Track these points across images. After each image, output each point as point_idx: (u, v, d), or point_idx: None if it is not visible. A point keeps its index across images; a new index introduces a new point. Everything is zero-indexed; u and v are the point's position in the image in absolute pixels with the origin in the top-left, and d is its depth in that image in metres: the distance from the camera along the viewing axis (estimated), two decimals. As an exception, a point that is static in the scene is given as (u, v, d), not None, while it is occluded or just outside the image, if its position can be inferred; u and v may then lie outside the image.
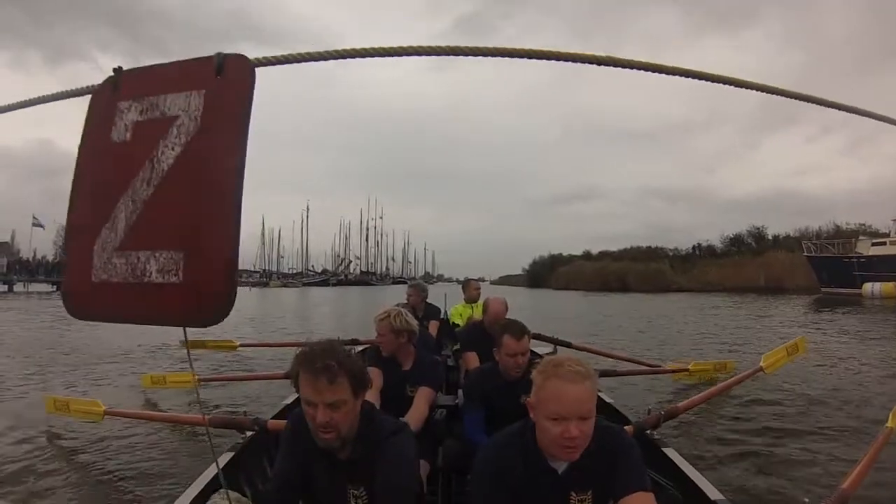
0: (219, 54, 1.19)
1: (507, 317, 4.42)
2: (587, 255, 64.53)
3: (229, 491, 2.52)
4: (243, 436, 3.52)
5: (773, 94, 1.49)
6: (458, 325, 6.31)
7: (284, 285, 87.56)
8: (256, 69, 1.19)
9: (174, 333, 5.65)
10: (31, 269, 58.02)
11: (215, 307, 1.14)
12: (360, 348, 6.54)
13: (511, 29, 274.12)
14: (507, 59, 1.28)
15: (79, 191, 1.31)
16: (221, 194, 1.14)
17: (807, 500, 2.21)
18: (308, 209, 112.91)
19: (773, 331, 14.34)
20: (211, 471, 2.80)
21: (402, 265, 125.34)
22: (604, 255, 61.78)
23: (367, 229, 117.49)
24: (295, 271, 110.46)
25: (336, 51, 1.27)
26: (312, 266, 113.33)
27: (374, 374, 3.29)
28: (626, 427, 3.48)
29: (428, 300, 6.44)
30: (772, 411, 6.31)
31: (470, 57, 1.23)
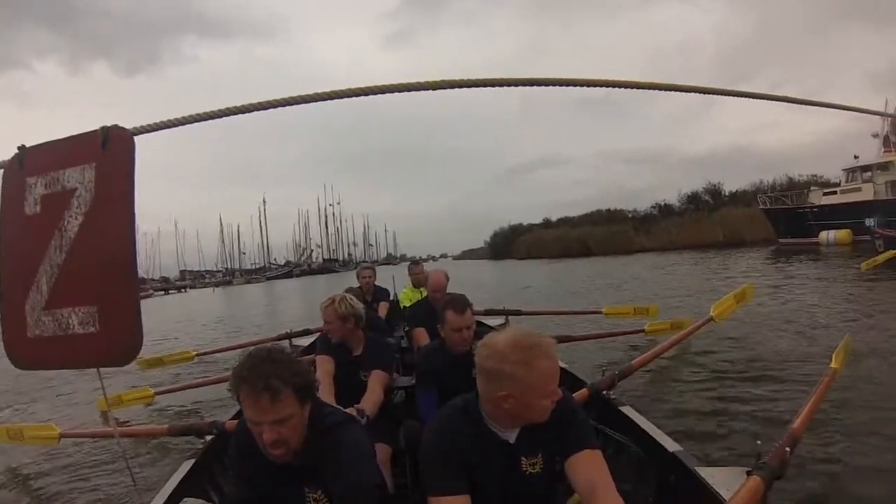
0: (103, 128, 1.39)
1: (459, 291, 4.32)
2: (546, 223, 63.30)
3: (194, 499, 2.64)
4: (203, 440, 3.52)
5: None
6: (409, 307, 6.17)
7: (248, 281, 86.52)
8: (137, 137, 1.39)
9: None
10: None
11: (126, 350, 1.39)
12: (311, 339, 6.69)
13: (469, 2, 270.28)
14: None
15: (5, 260, 1.54)
16: (121, 255, 1.37)
17: (759, 441, 2.30)
18: (265, 202, 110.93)
19: (731, 283, 14.27)
20: (173, 481, 2.81)
21: (364, 249, 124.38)
22: (563, 221, 61.15)
23: (326, 216, 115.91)
24: (258, 266, 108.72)
25: (219, 110, 1.40)
26: (275, 259, 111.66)
27: (325, 361, 3.32)
28: (581, 390, 3.61)
29: (377, 283, 6.62)
30: (723, 360, 6.52)
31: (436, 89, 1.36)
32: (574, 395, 2.91)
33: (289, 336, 7.37)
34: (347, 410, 2.32)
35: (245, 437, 1.84)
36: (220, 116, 1.37)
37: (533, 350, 1.70)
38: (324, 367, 3.29)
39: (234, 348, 8.51)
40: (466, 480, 1.75)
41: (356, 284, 6.41)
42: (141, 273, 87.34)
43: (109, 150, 1.37)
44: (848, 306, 9.68)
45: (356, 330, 3.36)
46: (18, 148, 1.49)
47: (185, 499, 2.69)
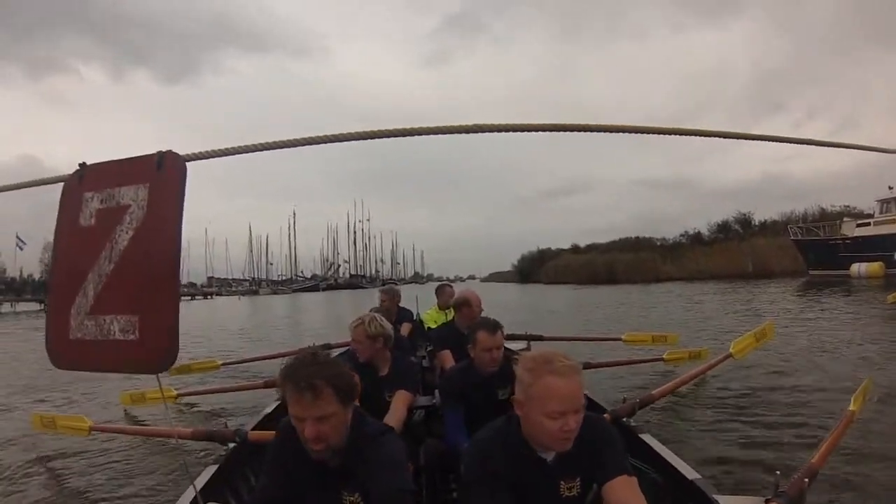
0: (159, 153, 1.51)
1: (484, 312, 4.55)
2: (575, 249, 64.00)
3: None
4: (226, 448, 3.54)
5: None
6: (432, 329, 6.20)
7: (274, 292, 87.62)
8: (189, 163, 1.50)
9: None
10: (17, 289, 58.04)
11: (163, 359, 1.48)
12: (335, 352, 6.49)
13: (499, 25, 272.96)
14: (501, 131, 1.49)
15: (57, 265, 1.68)
16: (165, 269, 1.48)
17: (778, 472, 2.26)
18: (295, 214, 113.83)
19: (758, 316, 14.27)
20: (196, 486, 2.76)
21: (392, 267, 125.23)
22: (592, 247, 61.80)
23: (355, 232, 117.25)
24: (284, 278, 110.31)
25: (265, 143, 1.51)
26: (302, 272, 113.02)
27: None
28: (603, 416, 3.59)
29: (400, 304, 6.60)
30: (742, 393, 6.50)
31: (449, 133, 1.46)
32: None
33: (310, 350, 7.32)
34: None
35: (288, 436, 1.96)
36: (267, 149, 1.48)
37: (547, 365, 1.76)
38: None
39: (263, 359, 8.72)
40: (508, 498, 1.79)
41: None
42: None
43: (163, 173, 1.49)
44: (872, 342, 9.54)
45: (384, 350, 3.42)
46: (80, 165, 1.63)
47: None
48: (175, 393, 6.65)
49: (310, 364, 1.85)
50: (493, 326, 3.23)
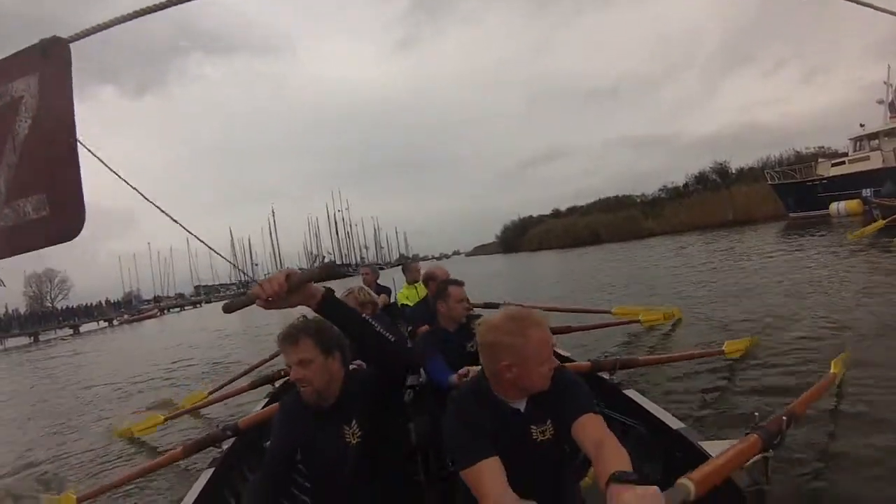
0: (41, 40, 1.63)
1: (471, 284, 4.50)
2: (556, 213, 64.31)
3: None
4: (220, 449, 3.54)
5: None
6: (406, 306, 6.41)
7: None
8: (73, 44, 1.61)
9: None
10: (3, 326, 56.75)
11: (73, 226, 1.62)
12: None
13: (467, 4, 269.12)
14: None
15: None
16: (64, 147, 1.61)
17: (756, 414, 2.33)
18: (273, 212, 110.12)
19: (746, 264, 14.56)
20: (190, 496, 2.85)
21: (376, 251, 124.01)
22: (573, 210, 61.60)
23: (336, 222, 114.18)
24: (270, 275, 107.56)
25: (149, 6, 1.59)
26: (287, 267, 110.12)
27: None
28: (582, 363, 3.95)
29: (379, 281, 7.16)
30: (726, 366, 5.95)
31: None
32: (574, 369, 3.31)
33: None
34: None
35: (291, 398, 2.33)
36: (150, 12, 1.60)
37: (525, 321, 1.92)
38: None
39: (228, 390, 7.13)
40: (488, 444, 1.85)
41: (382, 283, 7.08)
42: (156, 292, 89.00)
43: (49, 59, 1.61)
44: (847, 281, 9.48)
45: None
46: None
47: None
48: (162, 417, 6.44)
49: (296, 323, 2.19)
50: (459, 281, 3.75)
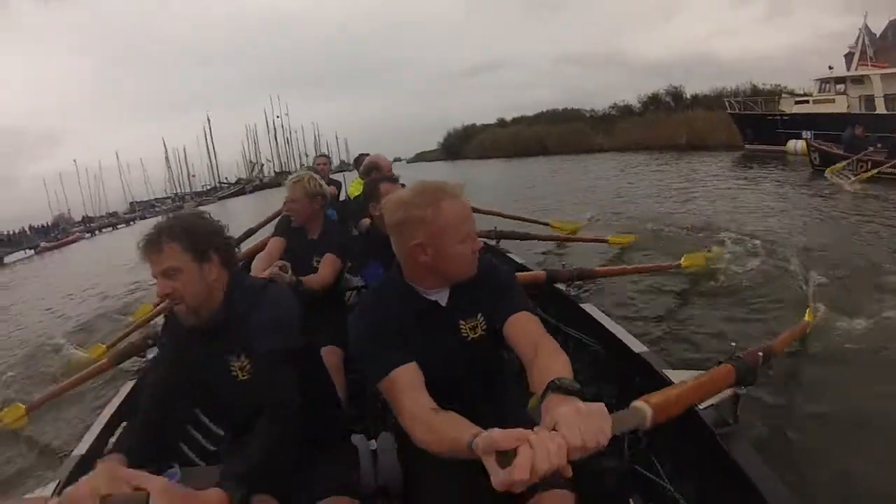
0: None
1: None
2: (501, 123, 63.04)
3: None
4: (145, 358, 3.42)
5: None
6: (359, 198, 5.77)
7: (199, 204, 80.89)
8: None
9: None
10: None
11: None
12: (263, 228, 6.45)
13: None
14: None
15: None
16: None
17: (734, 343, 1.87)
18: (209, 120, 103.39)
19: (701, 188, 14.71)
20: (108, 410, 2.70)
21: (317, 158, 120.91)
22: (518, 120, 60.28)
23: (275, 129, 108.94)
24: (208, 187, 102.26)
25: None
26: (226, 178, 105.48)
27: (277, 242, 3.29)
28: (538, 272, 3.74)
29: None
30: (694, 280, 5.95)
31: None
32: (529, 278, 3.55)
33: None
34: (271, 269, 2.65)
35: (172, 316, 1.88)
36: None
37: (438, 193, 1.62)
38: (269, 249, 3.26)
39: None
40: (408, 350, 1.58)
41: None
42: (86, 212, 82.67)
43: None
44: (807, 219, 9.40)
45: (320, 213, 3.32)
46: None
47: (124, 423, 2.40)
48: (24, 408, 4.05)
49: (164, 223, 1.71)
50: (394, 178, 3.49)
